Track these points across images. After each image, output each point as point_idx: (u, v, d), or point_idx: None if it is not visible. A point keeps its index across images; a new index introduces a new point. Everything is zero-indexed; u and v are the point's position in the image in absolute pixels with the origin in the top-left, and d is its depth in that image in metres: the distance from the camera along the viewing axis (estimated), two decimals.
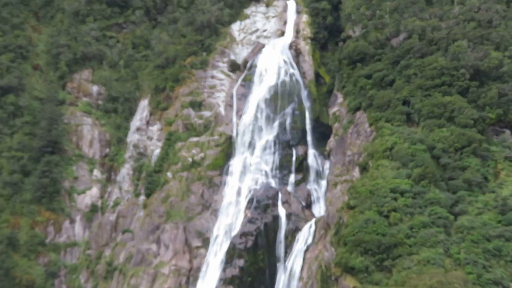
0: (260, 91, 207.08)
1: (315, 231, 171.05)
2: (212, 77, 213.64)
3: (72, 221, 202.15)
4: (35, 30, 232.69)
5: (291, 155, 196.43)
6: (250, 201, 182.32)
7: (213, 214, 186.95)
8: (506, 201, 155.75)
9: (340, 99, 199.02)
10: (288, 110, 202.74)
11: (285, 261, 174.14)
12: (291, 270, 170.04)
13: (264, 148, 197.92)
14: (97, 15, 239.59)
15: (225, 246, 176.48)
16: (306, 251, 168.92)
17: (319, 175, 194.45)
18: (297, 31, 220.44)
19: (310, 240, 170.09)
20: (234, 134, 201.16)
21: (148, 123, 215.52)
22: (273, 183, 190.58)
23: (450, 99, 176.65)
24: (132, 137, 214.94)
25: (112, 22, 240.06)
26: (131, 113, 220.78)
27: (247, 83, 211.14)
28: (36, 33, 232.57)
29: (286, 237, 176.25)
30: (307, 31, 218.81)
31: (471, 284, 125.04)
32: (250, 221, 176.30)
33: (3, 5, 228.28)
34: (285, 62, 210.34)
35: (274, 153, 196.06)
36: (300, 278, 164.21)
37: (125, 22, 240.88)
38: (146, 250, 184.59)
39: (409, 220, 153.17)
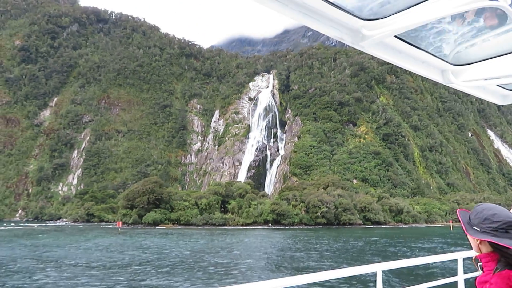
0: (260, 108, 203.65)
1: (280, 160, 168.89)
2: (242, 103, 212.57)
3: (190, 155, 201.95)
4: (176, 84, 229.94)
5: (271, 132, 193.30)
6: (257, 148, 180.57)
7: (242, 153, 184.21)
8: (351, 150, 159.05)
9: (289, 111, 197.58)
10: (270, 115, 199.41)
11: (270, 170, 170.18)
12: (271, 174, 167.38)
13: (261, 129, 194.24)
14: (200, 79, 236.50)
15: (247, 164, 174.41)
16: (277, 167, 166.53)
17: (281, 139, 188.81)
18: (273, 86, 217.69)
19: (279, 163, 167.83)
20: (251, 124, 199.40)
21: (218, 119, 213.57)
22: (265, 142, 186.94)
23: (329, 113, 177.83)
24: (213, 124, 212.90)
25: (204, 81, 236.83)
26: (212, 115, 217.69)
27: (255, 105, 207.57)
28: (176, 85, 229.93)
29: (270, 162, 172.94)
30: (276, 86, 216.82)
31: (341, 180, 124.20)
32: (256, 156, 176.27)
33: (165, 74, 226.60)
34: (269, 97, 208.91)
35: (265, 131, 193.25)
36: (275, 177, 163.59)
37: (209, 82, 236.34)
38: (218, 166, 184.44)
39: (316, 156, 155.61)
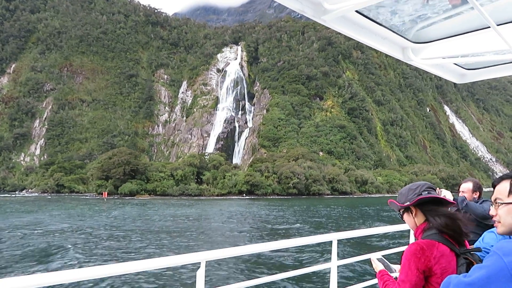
0: (228, 80, 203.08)
1: (249, 132, 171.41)
2: (210, 74, 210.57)
3: (158, 126, 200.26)
4: (142, 53, 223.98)
5: (239, 104, 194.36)
6: (225, 120, 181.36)
7: (211, 124, 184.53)
8: (318, 123, 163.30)
9: (257, 84, 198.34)
10: (239, 87, 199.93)
11: (238, 142, 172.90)
12: (240, 145, 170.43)
13: (230, 101, 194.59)
14: (166, 49, 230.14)
15: (215, 136, 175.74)
16: (246, 139, 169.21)
17: (250, 111, 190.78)
18: (241, 58, 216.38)
19: (247, 135, 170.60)
20: (219, 96, 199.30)
21: (186, 90, 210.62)
22: (233, 114, 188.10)
23: (297, 86, 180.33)
24: (180, 95, 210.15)
25: (171, 51, 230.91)
26: (179, 86, 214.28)
27: (224, 77, 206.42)
28: (142, 54, 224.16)
29: (238, 134, 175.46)
30: (245, 58, 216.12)
31: (309, 152, 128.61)
32: (225, 128, 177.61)
33: (130, 43, 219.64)
34: (237, 69, 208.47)
35: (234, 103, 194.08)
36: (244, 148, 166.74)
37: (177, 52, 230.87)
38: (186, 137, 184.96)
39: (284, 129, 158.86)
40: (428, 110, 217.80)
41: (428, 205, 2.30)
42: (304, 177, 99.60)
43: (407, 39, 3.31)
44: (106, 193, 79.79)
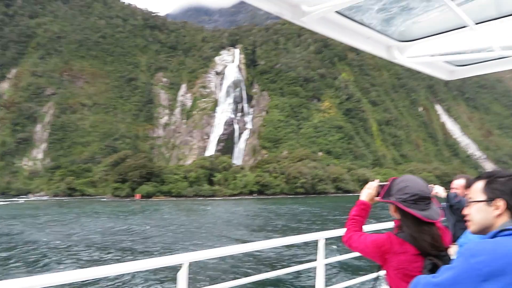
0: (227, 82, 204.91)
1: (249, 133, 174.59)
2: (209, 77, 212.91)
3: (158, 129, 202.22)
4: (140, 57, 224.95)
5: (238, 106, 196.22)
6: (225, 122, 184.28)
7: (211, 126, 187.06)
8: (316, 124, 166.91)
9: (256, 86, 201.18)
10: (238, 89, 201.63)
11: (238, 143, 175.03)
12: (239, 147, 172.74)
13: (229, 103, 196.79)
14: (165, 52, 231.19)
15: (216, 138, 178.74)
16: (246, 140, 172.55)
17: (248, 113, 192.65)
18: (239, 61, 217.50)
19: (247, 136, 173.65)
20: (218, 98, 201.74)
21: (185, 93, 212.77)
22: (232, 116, 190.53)
23: (295, 88, 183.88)
24: (180, 98, 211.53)
25: (170, 54, 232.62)
26: (179, 89, 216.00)
27: (222, 79, 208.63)
28: (141, 58, 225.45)
29: (238, 135, 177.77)
30: (243, 61, 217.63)
31: (311, 153, 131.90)
32: (225, 129, 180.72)
33: (129, 46, 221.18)
34: (235, 72, 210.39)
35: (233, 105, 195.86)
36: (244, 150, 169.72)
37: (175, 55, 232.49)
38: (187, 139, 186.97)
39: (284, 130, 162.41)
40: (421, 110, 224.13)
41: (407, 217, 2.24)
42: (311, 177, 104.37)
43: (391, 37, 3.28)
44: (140, 195, 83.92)
